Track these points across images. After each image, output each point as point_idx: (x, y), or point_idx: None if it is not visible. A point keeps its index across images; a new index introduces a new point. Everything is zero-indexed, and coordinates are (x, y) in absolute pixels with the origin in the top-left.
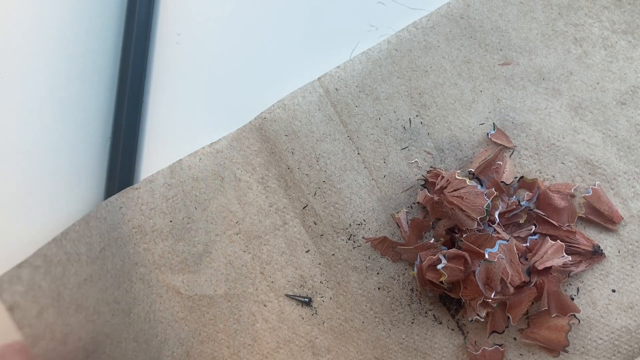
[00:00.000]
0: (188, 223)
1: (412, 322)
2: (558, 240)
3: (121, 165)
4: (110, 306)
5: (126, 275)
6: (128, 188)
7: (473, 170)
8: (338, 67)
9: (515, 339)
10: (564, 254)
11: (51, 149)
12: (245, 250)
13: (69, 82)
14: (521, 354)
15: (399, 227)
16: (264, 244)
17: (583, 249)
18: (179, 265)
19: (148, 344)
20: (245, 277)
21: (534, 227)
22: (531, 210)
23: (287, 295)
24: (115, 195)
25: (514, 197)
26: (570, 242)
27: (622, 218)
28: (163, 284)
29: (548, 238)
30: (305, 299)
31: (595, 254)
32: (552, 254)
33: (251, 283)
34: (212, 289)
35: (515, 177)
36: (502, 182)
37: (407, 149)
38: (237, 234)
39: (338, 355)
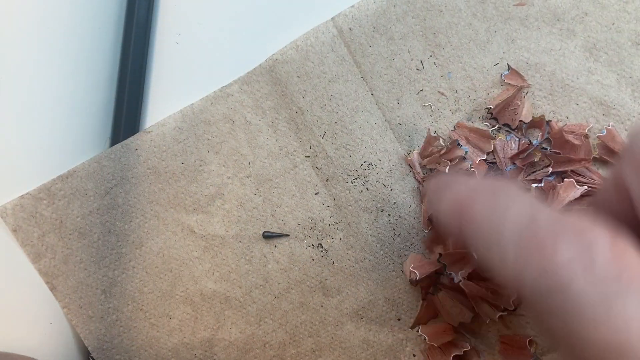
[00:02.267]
0: (200, 165)
1: None
2: (566, 179)
3: (126, 116)
4: (118, 237)
5: (140, 212)
6: (141, 132)
7: (492, 107)
8: (352, 6)
9: None
10: (576, 185)
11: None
12: (256, 193)
13: (68, 82)
14: None
15: (412, 168)
16: (275, 187)
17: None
18: (193, 206)
19: (159, 276)
20: (256, 219)
21: (549, 168)
22: (544, 149)
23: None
24: (131, 138)
25: (526, 137)
26: (587, 182)
27: None
28: (178, 223)
29: (561, 179)
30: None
31: None
32: (564, 192)
33: (262, 225)
34: (224, 230)
35: (532, 120)
36: (521, 120)
37: (421, 91)
38: (248, 177)
39: (348, 295)
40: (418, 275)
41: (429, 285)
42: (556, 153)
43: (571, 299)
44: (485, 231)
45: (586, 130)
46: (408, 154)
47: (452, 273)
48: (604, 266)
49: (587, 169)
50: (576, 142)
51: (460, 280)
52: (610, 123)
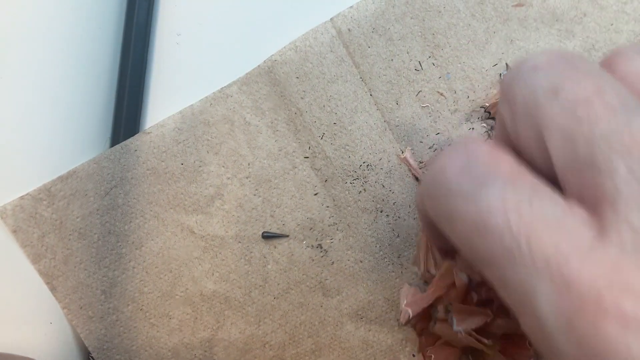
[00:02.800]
0: (200, 166)
1: None
2: None
3: (126, 116)
4: (118, 237)
5: (139, 212)
6: (141, 132)
7: (487, 106)
8: (351, 7)
9: None
10: None
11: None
12: (255, 194)
13: (68, 82)
14: None
15: (408, 167)
16: (274, 188)
17: None
18: (192, 207)
19: (159, 277)
20: (256, 220)
21: None
22: None
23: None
24: (130, 139)
25: None
26: None
27: None
28: (178, 223)
29: None
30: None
31: None
32: None
33: (262, 226)
34: (223, 230)
35: None
36: None
37: (420, 92)
38: (247, 178)
39: (348, 296)
40: (411, 314)
41: (423, 328)
42: None
43: (448, 188)
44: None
45: None
46: (402, 151)
47: (454, 319)
48: (479, 163)
49: None
50: None
51: (460, 331)
52: None
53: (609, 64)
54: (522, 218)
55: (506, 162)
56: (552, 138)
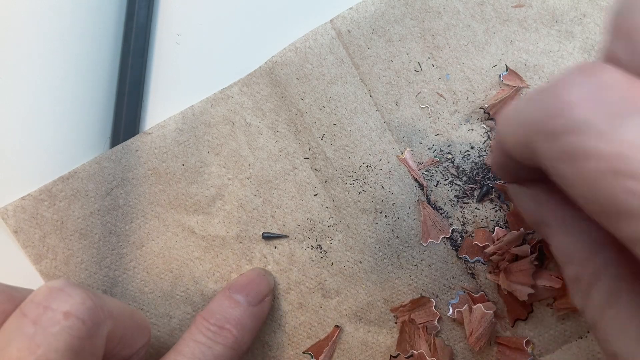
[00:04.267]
0: (201, 167)
1: (421, 263)
2: None
3: (126, 117)
4: (119, 238)
5: (140, 213)
6: (141, 133)
7: (487, 107)
8: (351, 8)
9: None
10: None
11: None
12: (256, 194)
13: (68, 83)
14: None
15: (408, 168)
16: (274, 188)
17: None
18: (193, 207)
19: (160, 277)
20: (256, 220)
21: None
22: None
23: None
24: (131, 139)
25: None
26: None
27: None
28: (179, 224)
29: None
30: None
31: None
32: None
33: (262, 226)
34: (224, 231)
35: None
36: None
37: (419, 93)
38: (248, 178)
39: (347, 297)
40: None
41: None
42: None
43: (575, 122)
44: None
45: None
46: (402, 152)
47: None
48: (614, 93)
49: None
50: None
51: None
52: None
53: None
54: None
55: None
56: None
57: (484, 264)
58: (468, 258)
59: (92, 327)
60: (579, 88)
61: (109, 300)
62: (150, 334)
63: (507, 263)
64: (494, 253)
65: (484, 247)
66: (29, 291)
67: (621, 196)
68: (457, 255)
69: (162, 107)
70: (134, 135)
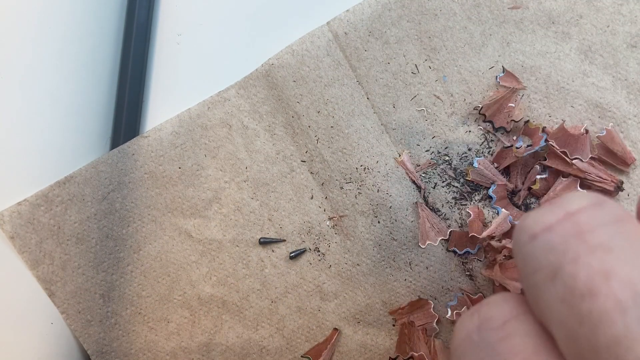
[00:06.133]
0: (197, 170)
1: (419, 265)
2: (571, 176)
3: (127, 119)
4: (116, 242)
5: (137, 216)
6: (138, 136)
7: (480, 107)
8: (347, 10)
9: None
10: (578, 188)
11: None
12: (253, 197)
13: (68, 84)
14: None
15: (405, 170)
16: (272, 191)
17: (603, 186)
18: (190, 210)
19: (157, 280)
20: (253, 224)
21: (537, 167)
22: (544, 159)
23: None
24: (127, 143)
25: (519, 142)
26: (592, 180)
27: (635, 159)
28: (175, 227)
29: (560, 176)
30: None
31: (617, 191)
32: (561, 191)
33: (259, 229)
34: (221, 234)
35: (522, 119)
36: (511, 120)
37: (416, 96)
38: (245, 181)
39: (346, 299)
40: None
41: None
42: (562, 152)
43: (617, 334)
44: None
45: (582, 130)
46: (399, 154)
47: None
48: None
49: (592, 165)
50: (577, 132)
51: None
52: (610, 124)
53: None
54: None
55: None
56: (555, 332)
57: (472, 254)
58: (457, 250)
59: None
60: (468, 324)
61: None
62: None
63: (504, 257)
64: (491, 237)
65: (478, 236)
66: None
67: None
68: (447, 249)
69: (162, 108)
70: (135, 137)
